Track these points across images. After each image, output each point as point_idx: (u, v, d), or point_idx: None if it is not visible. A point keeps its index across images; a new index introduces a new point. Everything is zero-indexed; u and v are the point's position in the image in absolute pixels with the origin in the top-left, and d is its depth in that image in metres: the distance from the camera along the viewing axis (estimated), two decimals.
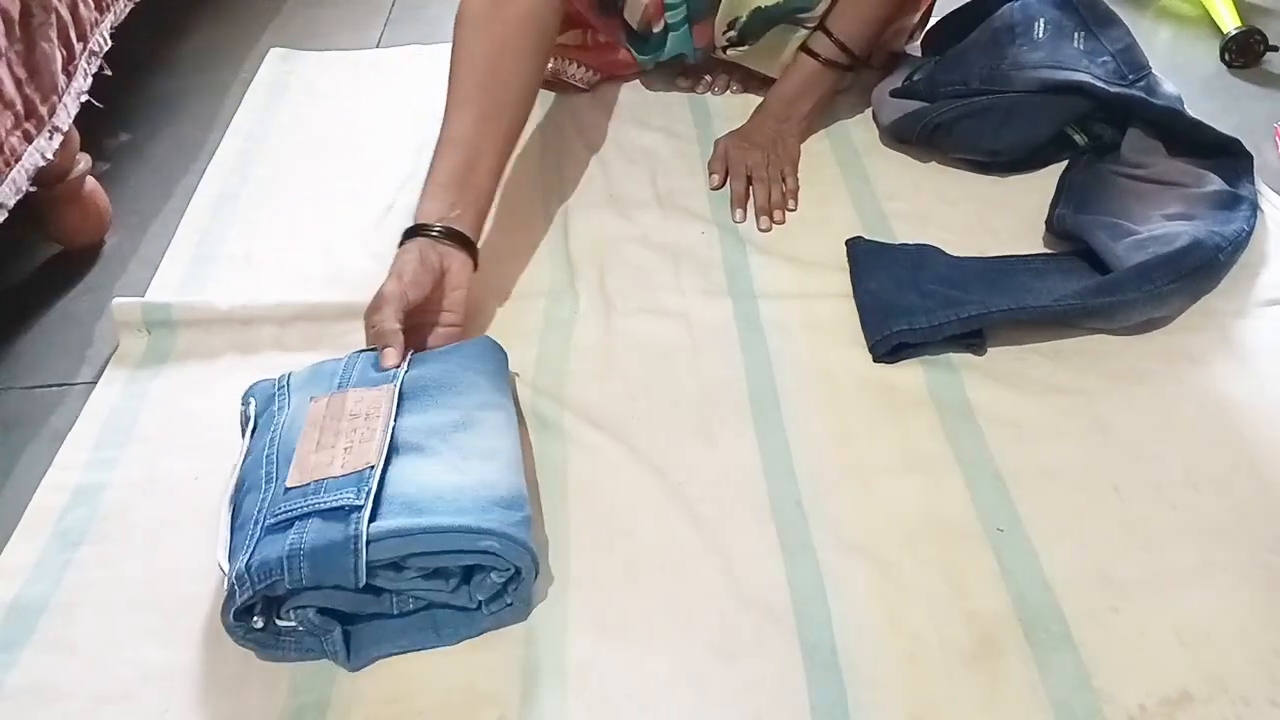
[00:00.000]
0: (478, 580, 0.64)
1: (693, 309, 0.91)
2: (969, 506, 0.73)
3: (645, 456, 0.78)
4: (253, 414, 0.72)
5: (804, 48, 1.08)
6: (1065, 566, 0.69)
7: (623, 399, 0.83)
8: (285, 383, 0.73)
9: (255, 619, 0.62)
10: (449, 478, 0.65)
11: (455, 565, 0.63)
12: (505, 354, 0.80)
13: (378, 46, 1.42)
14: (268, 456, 0.67)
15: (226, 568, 0.62)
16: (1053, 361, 0.84)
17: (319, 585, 0.60)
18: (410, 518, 0.62)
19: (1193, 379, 0.83)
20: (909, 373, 0.84)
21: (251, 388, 0.75)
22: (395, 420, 0.68)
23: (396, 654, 0.65)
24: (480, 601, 0.65)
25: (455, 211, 0.84)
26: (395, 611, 0.65)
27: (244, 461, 0.69)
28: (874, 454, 0.78)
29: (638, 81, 1.26)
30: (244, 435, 0.72)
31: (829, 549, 0.71)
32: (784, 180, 1.06)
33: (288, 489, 0.63)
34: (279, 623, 0.63)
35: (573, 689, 0.63)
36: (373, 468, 0.64)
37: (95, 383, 0.87)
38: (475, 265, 0.85)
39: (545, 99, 1.24)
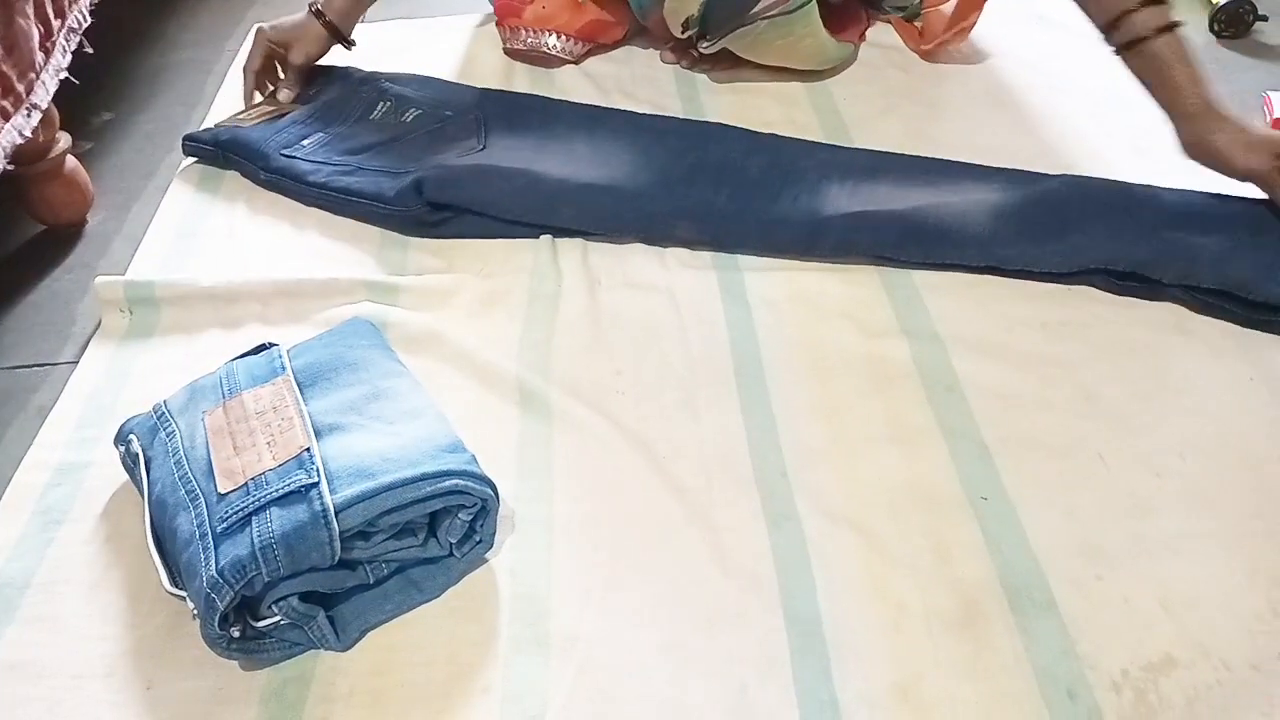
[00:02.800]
0: (445, 526, 0.65)
1: (677, 283, 0.91)
2: (953, 476, 0.73)
3: (630, 430, 0.78)
4: (139, 449, 0.70)
5: (1129, 42, 0.93)
6: (1050, 535, 0.69)
7: (608, 373, 0.83)
8: (163, 410, 0.72)
9: (232, 628, 0.61)
10: (385, 441, 0.66)
11: (422, 517, 0.64)
12: (378, 330, 0.81)
13: (362, 21, 1.40)
14: (181, 478, 0.65)
15: (181, 590, 0.62)
16: (1039, 332, 0.84)
17: (296, 570, 0.60)
18: (367, 482, 0.62)
19: (1180, 348, 0.83)
20: (894, 344, 0.84)
21: (125, 425, 0.73)
22: (305, 407, 0.68)
23: (384, 621, 0.65)
24: (451, 546, 0.66)
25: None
26: (371, 580, 0.65)
27: (151, 495, 0.67)
28: (859, 425, 0.77)
29: (622, 54, 1.26)
30: (135, 473, 0.70)
31: (813, 519, 0.71)
32: None
33: (223, 495, 0.63)
34: (257, 625, 0.62)
35: (556, 661, 0.63)
36: (308, 450, 0.64)
37: (78, 362, 0.87)
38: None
39: (532, 73, 1.23)
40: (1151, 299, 0.87)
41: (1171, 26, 0.93)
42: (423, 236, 0.97)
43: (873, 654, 0.63)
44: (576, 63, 1.24)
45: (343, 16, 1.14)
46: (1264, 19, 1.29)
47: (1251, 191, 0.90)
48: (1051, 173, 0.98)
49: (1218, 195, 0.93)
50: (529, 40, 1.22)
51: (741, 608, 0.66)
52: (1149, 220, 0.90)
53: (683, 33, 1.13)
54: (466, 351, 0.84)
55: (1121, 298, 0.87)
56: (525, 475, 0.75)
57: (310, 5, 1.13)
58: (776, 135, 1.05)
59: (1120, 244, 0.88)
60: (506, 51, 1.26)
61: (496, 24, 1.26)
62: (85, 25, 1.03)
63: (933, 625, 0.64)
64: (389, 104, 1.11)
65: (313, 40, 1.13)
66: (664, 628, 0.65)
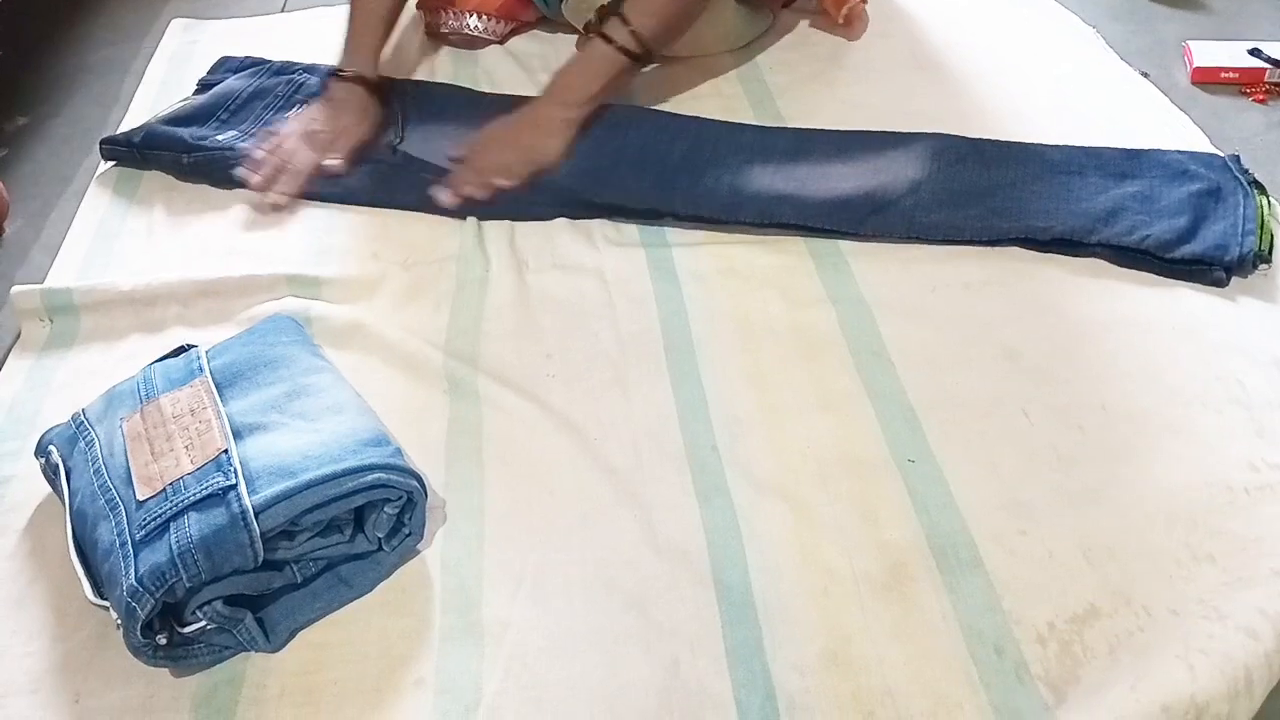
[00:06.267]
0: (372, 520, 0.65)
1: (606, 262, 0.91)
2: (880, 440, 0.74)
3: (561, 413, 0.77)
4: (59, 460, 0.69)
5: (598, 31, 1.00)
6: (974, 493, 0.70)
7: (538, 357, 0.82)
8: (82, 419, 0.71)
9: (158, 635, 0.60)
10: (307, 438, 0.65)
11: (347, 512, 0.64)
12: (301, 325, 0.80)
13: (283, 11, 1.38)
14: (101, 487, 0.64)
15: (104, 600, 0.61)
16: (961, 292, 0.85)
17: (218, 574, 0.59)
18: (287, 480, 0.61)
19: (1100, 301, 0.84)
20: (821, 313, 0.84)
21: (44, 436, 0.72)
22: (223, 408, 0.67)
23: (314, 620, 0.65)
24: (380, 540, 0.65)
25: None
26: (299, 580, 0.64)
27: (72, 505, 0.66)
28: (788, 395, 0.78)
29: (546, 32, 1.25)
30: (56, 484, 0.69)
31: (743, 491, 0.71)
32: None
33: (141, 502, 0.62)
34: (183, 631, 0.61)
35: (489, 649, 0.63)
36: (226, 452, 0.63)
37: None
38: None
39: (455, 56, 1.22)
40: (1073, 255, 0.88)
41: (616, 45, 0.98)
42: (356, 204, 0.98)
43: (803, 621, 0.63)
44: (501, 42, 1.23)
45: (373, 57, 1.09)
46: None
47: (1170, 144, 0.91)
48: (973, 135, 0.98)
49: (1131, 151, 0.94)
50: (450, 23, 1.20)
51: (673, 583, 0.66)
52: (1065, 187, 0.91)
53: (586, 33, 1.12)
54: (392, 343, 0.83)
55: (1043, 254, 0.88)
56: (455, 465, 0.74)
57: (336, 73, 1.07)
58: (699, 119, 1.05)
59: (1038, 213, 0.89)
60: (429, 35, 1.24)
61: (418, 7, 1.24)
62: None
63: (861, 589, 0.65)
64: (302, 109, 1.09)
65: (364, 107, 1.05)
66: (596, 609, 0.65)
